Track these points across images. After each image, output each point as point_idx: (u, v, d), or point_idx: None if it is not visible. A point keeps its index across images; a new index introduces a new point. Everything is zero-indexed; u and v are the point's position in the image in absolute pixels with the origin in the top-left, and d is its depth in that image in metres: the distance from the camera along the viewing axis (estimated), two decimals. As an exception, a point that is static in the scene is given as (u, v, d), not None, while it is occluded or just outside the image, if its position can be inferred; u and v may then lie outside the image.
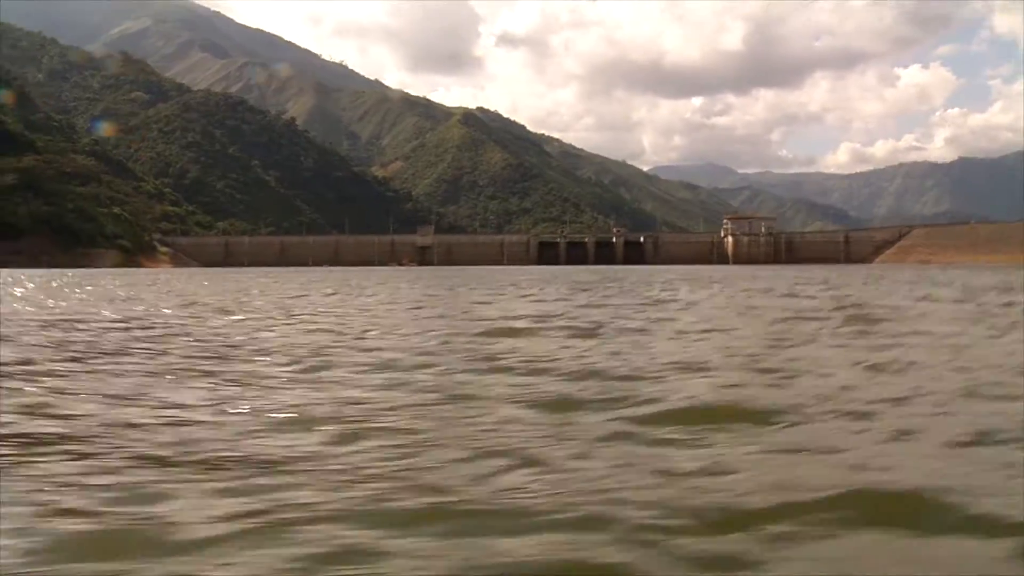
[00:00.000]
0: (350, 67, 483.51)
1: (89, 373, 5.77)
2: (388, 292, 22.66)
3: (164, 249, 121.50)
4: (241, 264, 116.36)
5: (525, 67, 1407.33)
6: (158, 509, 2.55)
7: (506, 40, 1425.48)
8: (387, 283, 31.85)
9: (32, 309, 14.20)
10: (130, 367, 6.10)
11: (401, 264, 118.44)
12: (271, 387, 5.07)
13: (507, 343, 7.71)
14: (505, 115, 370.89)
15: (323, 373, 5.69)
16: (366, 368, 5.95)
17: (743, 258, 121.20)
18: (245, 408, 4.33)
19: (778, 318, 11.14)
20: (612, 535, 2.32)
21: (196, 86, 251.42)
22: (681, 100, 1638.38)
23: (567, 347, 7.36)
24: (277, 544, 2.26)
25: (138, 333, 9.24)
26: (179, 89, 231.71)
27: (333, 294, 21.14)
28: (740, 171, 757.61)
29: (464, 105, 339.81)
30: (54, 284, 29.43)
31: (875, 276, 37.62)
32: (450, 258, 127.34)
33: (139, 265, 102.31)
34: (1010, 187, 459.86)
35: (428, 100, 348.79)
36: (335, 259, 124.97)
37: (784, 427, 3.83)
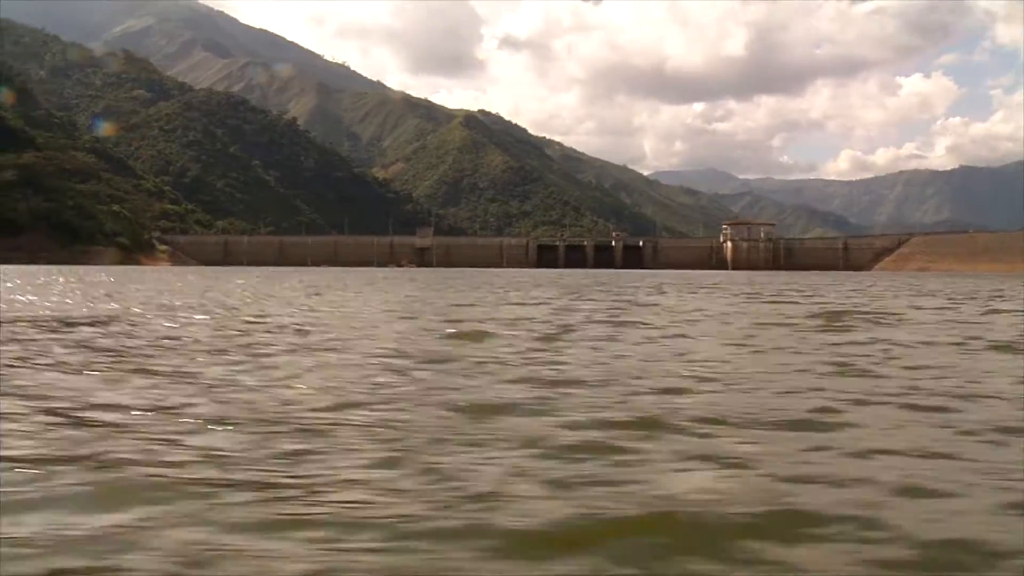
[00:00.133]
0: (352, 68, 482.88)
1: None
2: (374, 292, 22.74)
3: (163, 247, 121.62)
4: (240, 263, 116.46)
5: (527, 70, 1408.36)
6: None
7: (508, 43, 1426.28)
8: (375, 284, 31.93)
9: None
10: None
11: (399, 265, 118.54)
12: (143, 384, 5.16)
13: (467, 346, 7.79)
14: (507, 118, 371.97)
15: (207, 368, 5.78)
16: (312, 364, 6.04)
17: (742, 264, 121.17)
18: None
19: (744, 325, 11.23)
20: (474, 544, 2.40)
21: (198, 85, 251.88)
22: (683, 105, 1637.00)
23: (519, 351, 7.44)
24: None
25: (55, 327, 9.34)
26: (181, 88, 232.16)
27: (316, 294, 21.21)
28: (741, 177, 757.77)
29: (466, 107, 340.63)
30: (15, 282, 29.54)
31: (866, 284, 37.74)
32: (449, 260, 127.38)
33: (138, 263, 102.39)
34: (1011, 197, 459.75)
35: (430, 102, 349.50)
36: (334, 259, 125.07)
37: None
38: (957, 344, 8.58)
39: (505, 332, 9.38)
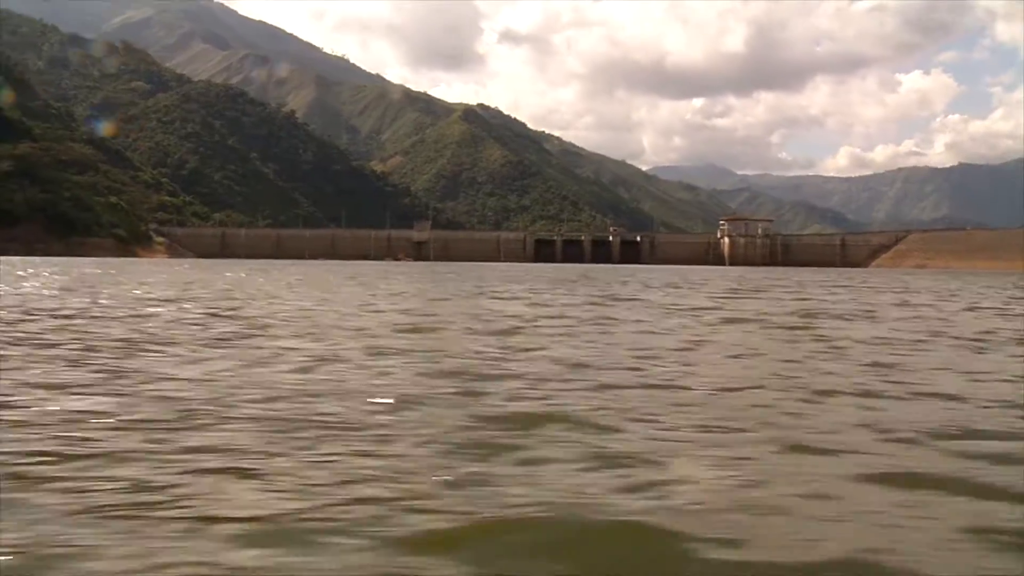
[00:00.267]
0: (351, 61, 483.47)
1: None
2: (359, 286, 22.73)
3: (160, 239, 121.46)
4: (237, 256, 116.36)
5: (527, 65, 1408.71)
6: None
7: (508, 37, 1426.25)
8: (365, 276, 31.93)
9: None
10: None
11: (397, 259, 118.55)
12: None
13: (421, 340, 7.83)
14: (506, 112, 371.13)
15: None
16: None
17: (739, 259, 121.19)
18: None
19: (712, 320, 11.28)
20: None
21: (197, 77, 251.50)
22: (682, 101, 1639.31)
23: (471, 345, 7.49)
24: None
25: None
26: (179, 80, 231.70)
27: (300, 284, 21.23)
28: (739, 173, 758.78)
29: (465, 101, 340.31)
30: None
31: (858, 280, 37.80)
32: (446, 254, 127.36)
33: (135, 255, 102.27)
34: (1010, 194, 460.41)
35: (429, 96, 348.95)
36: (331, 253, 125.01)
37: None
38: (918, 341, 8.65)
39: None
